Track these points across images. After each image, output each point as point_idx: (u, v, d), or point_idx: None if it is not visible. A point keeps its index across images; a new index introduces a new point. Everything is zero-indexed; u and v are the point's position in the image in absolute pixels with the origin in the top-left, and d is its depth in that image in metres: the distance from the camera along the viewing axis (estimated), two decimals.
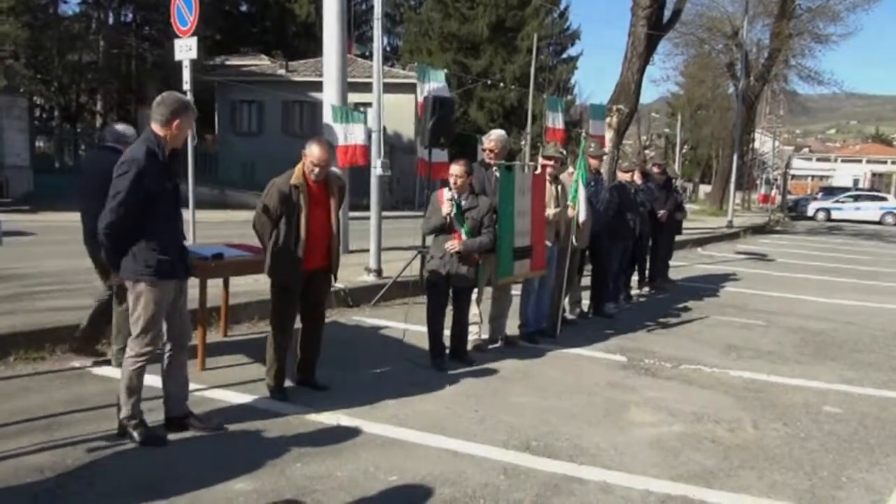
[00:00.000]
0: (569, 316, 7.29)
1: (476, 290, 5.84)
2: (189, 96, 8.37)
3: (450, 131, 7.40)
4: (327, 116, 9.76)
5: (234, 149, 27.96)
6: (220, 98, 28.85)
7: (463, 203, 5.25)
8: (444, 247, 5.20)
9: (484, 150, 5.95)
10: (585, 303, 7.67)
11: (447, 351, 5.49)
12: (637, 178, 8.46)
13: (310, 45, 36.77)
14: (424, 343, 5.51)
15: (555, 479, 3.58)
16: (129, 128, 4.81)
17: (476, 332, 6.00)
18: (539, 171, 6.06)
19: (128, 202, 3.33)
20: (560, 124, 14.18)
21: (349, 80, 22.40)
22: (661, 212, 9.17)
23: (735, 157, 21.12)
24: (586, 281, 7.80)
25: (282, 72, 28.60)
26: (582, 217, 6.15)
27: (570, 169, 6.80)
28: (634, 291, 9.18)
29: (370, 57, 11.16)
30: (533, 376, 5.33)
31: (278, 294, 4.40)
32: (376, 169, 7.63)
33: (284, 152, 9.79)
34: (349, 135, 9.49)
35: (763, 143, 41.35)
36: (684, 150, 55.77)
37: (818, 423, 4.64)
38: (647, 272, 9.56)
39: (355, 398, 4.55)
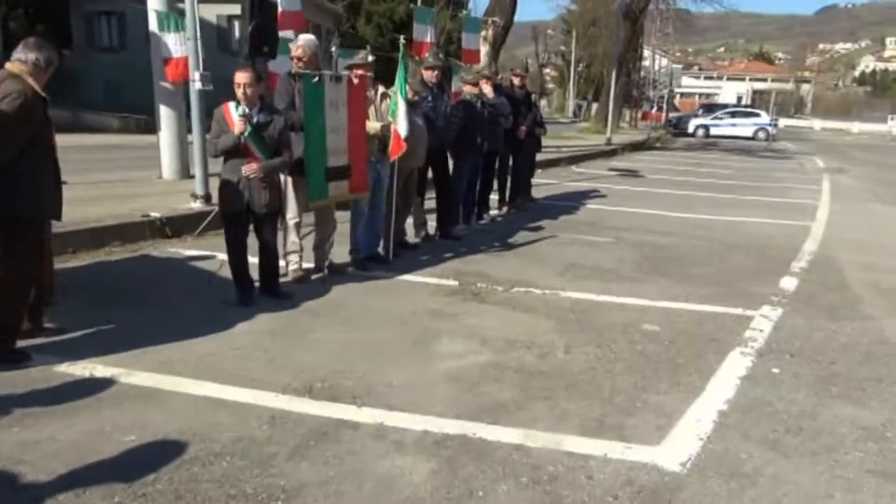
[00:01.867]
0: (412, 240, 6.92)
1: (289, 216, 5.32)
2: None
3: (274, 37, 6.63)
4: (152, 25, 8.66)
5: (96, 66, 25.39)
6: (74, 10, 25.91)
7: (256, 118, 4.63)
8: (241, 170, 4.60)
9: (291, 59, 5.29)
10: (433, 225, 7.31)
11: (256, 285, 4.99)
12: (488, 91, 8.02)
13: None
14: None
15: (325, 425, 3.22)
16: None
17: (296, 262, 5.51)
18: (357, 82, 5.45)
19: None
20: (430, 38, 13.50)
21: None
22: (521, 128, 8.82)
23: (614, 74, 21.08)
24: (432, 203, 7.40)
25: None
26: (402, 132, 5.64)
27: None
28: (493, 212, 8.92)
29: None
30: (347, 308, 4.94)
31: (26, 231, 3.66)
32: (195, 83, 6.79)
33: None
34: (181, 46, 8.48)
35: (654, 61, 41.92)
36: (579, 69, 56.02)
37: (632, 343, 4.52)
38: (506, 191, 9.29)
39: (127, 343, 4.00)
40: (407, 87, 5.82)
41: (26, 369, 3.59)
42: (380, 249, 6.19)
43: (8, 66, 3.53)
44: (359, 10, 34.47)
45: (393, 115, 5.65)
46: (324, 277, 5.60)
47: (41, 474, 2.69)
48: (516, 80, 9.06)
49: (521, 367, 4.04)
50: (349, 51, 11.90)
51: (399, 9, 34.13)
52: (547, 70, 71.83)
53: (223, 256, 5.75)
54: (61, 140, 4.07)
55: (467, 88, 7.42)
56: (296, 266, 5.50)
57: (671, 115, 36.20)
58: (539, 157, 10.75)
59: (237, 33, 27.35)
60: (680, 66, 58.93)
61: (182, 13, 8.33)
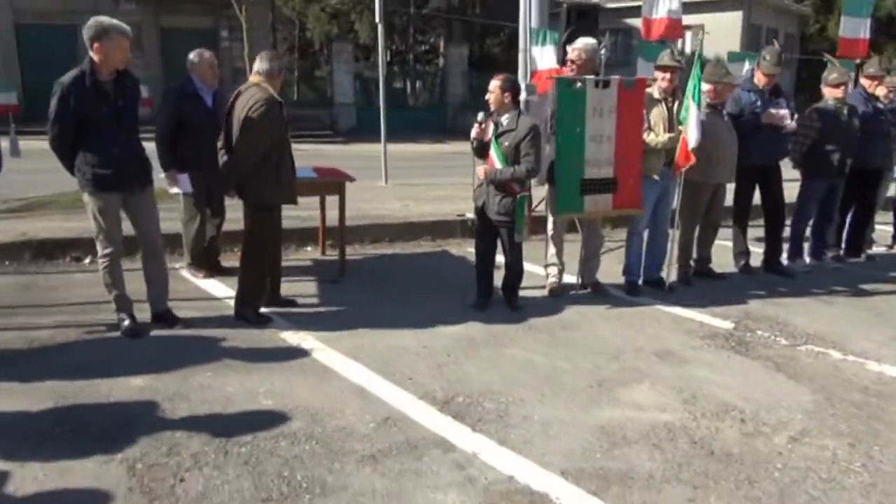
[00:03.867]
0: (730, 270, 5.94)
1: (548, 227, 5.15)
2: (380, 28, 8.77)
3: None
4: (526, 41, 9.23)
5: None
6: None
7: (502, 124, 4.63)
8: (477, 174, 4.70)
9: (566, 63, 5.07)
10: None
11: (499, 292, 5.00)
12: (883, 94, 6.30)
13: None
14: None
15: (424, 439, 3.11)
16: (194, 54, 5.20)
17: (554, 275, 5.32)
18: (635, 86, 4.90)
19: (56, 121, 3.76)
20: (863, 33, 11.20)
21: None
22: None
23: None
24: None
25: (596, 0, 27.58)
26: (691, 142, 4.84)
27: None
28: (879, 248, 6.99)
29: None
30: (572, 330, 4.56)
31: (271, 214, 4.45)
32: (523, 93, 7.06)
33: None
34: (541, 59, 8.89)
35: None
36: None
37: None
38: None
39: (351, 323, 4.49)
40: (705, 90, 5.04)
41: (261, 330, 4.36)
42: (663, 275, 5.50)
43: (251, 77, 4.29)
44: (832, 8, 30.22)
45: (683, 121, 4.93)
46: (581, 295, 5.27)
47: (184, 411, 3.29)
48: None
49: (706, 440, 3.17)
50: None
51: (885, 3, 28.80)
52: None
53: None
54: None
55: (830, 92, 5.94)
56: (554, 280, 5.31)
57: None
58: None
59: (682, 43, 27.05)
60: None
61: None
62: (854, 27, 11.10)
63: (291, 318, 4.58)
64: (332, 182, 5.48)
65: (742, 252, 6.06)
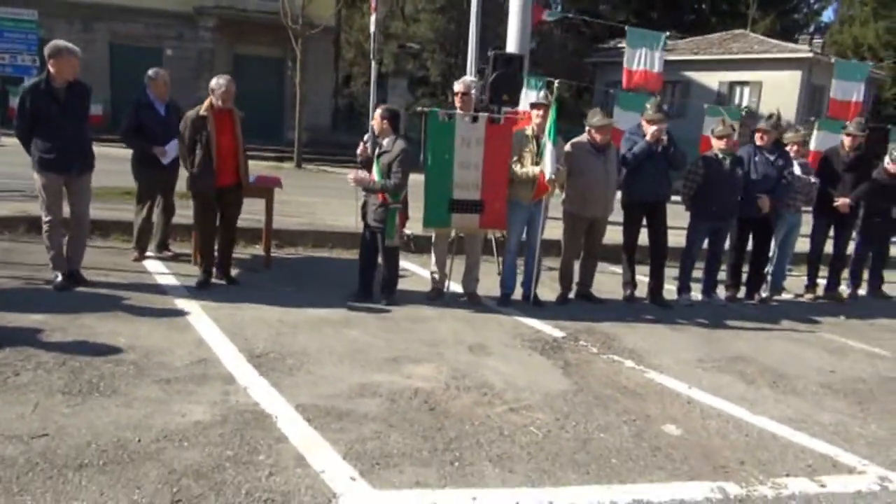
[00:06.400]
0: (618, 297, 6.56)
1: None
2: (373, 65, 9.91)
3: (514, 87, 7.21)
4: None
5: None
6: (598, 80, 29.92)
7: (383, 145, 5.55)
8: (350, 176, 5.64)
9: (456, 95, 5.92)
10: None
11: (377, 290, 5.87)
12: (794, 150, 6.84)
13: (734, 22, 34.91)
14: (412, 286, 6.19)
15: (219, 375, 3.99)
16: (152, 71, 6.37)
17: (433, 283, 6.12)
18: (502, 121, 5.72)
19: (18, 115, 4.97)
20: (856, 97, 11.48)
21: (728, 56, 21.65)
22: (841, 200, 7.08)
23: None
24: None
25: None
26: (547, 174, 5.59)
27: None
28: (787, 295, 7.39)
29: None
30: (417, 323, 5.34)
31: (200, 203, 5.57)
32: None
33: None
34: (525, 100, 9.72)
35: None
36: None
37: (606, 430, 3.73)
38: (816, 274, 7.51)
39: (237, 299, 5.46)
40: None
41: (162, 295, 5.39)
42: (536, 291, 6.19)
43: None
44: None
45: (541, 155, 5.70)
46: (456, 301, 6.03)
47: (57, 338, 4.31)
48: (847, 140, 7.23)
49: (438, 403, 3.91)
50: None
51: None
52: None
53: (420, 272, 6.80)
54: None
55: (716, 143, 6.53)
56: (432, 286, 6.11)
57: None
58: None
59: (739, 99, 27.16)
60: None
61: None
62: (846, 90, 11.40)
63: (193, 290, 5.60)
64: (261, 188, 6.51)
65: (628, 282, 6.65)
